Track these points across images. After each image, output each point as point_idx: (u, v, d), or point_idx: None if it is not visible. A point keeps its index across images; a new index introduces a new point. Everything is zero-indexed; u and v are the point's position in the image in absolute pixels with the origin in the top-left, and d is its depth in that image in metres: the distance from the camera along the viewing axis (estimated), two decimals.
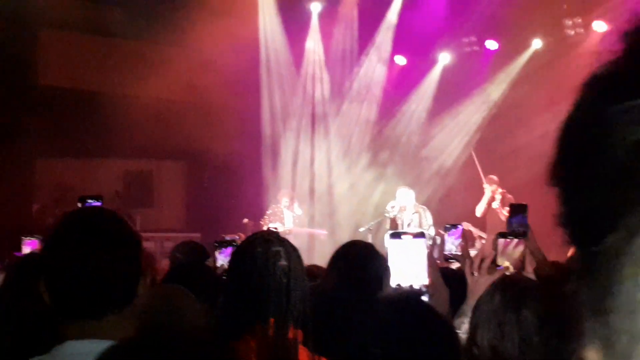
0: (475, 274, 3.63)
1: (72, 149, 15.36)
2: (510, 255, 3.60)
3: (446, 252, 4.29)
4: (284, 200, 14.26)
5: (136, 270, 2.33)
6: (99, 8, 14.78)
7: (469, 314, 3.18)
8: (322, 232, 14.88)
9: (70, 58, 14.96)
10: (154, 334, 1.61)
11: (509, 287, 2.92)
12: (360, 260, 4.03)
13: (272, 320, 2.88)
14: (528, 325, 2.78)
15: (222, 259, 4.83)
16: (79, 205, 5.11)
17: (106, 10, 14.76)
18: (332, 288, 3.85)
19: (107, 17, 14.73)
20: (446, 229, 4.38)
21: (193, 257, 5.88)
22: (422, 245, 3.46)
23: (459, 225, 4.41)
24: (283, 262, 2.95)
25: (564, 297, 1.06)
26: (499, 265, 3.64)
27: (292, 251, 3.03)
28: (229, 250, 4.82)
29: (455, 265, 5.27)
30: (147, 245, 14.37)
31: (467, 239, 4.52)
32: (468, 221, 13.89)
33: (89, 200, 5.09)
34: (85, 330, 2.16)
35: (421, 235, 3.53)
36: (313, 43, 16.82)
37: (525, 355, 2.77)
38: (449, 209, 14.41)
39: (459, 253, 4.28)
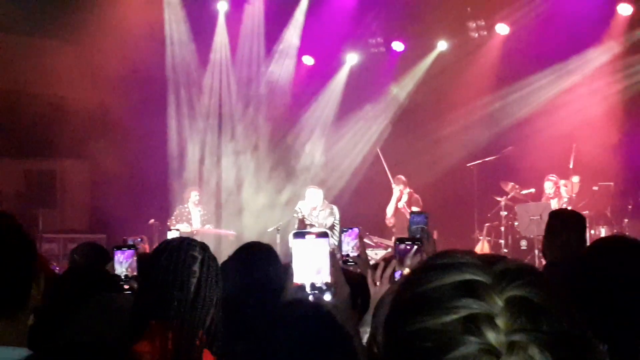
0: (378, 283, 3.67)
1: None
2: (410, 263, 3.65)
3: (343, 254, 4.31)
4: (193, 195, 14.14)
5: (28, 275, 2.24)
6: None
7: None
8: (230, 233, 14.81)
9: None
10: (63, 347, 1.56)
11: None
12: (256, 262, 4.09)
13: (175, 322, 2.88)
14: None
15: (121, 262, 4.74)
16: None
17: (4, 5, 14.36)
18: (230, 290, 3.87)
19: (4, 13, 14.35)
20: (342, 231, 4.42)
21: (92, 259, 5.70)
22: (324, 245, 3.39)
23: (354, 228, 4.42)
24: (195, 268, 2.97)
25: None
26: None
27: (211, 259, 3.06)
28: (130, 253, 4.76)
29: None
30: (50, 246, 14.10)
31: (363, 240, 4.58)
32: (372, 225, 14.08)
33: None
34: None
35: (324, 235, 3.45)
36: (220, 42, 16.69)
37: None
38: (357, 209, 14.53)
39: (356, 254, 4.33)
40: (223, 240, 14.43)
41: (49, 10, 14.53)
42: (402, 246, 3.64)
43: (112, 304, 3.42)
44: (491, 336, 1.04)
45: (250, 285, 3.95)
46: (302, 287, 3.39)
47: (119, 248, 4.85)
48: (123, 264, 4.72)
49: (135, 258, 4.77)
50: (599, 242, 3.99)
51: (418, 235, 4.17)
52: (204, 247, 3.10)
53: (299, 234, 3.48)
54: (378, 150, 15.37)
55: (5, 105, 14.42)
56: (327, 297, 3.26)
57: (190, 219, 13.92)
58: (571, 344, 1.08)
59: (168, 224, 13.71)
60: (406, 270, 3.59)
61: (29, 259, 2.26)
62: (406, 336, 1.11)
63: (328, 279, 3.34)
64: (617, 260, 3.04)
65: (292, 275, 3.42)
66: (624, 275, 2.96)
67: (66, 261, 8.71)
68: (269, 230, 14.11)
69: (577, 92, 14.37)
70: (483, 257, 1.15)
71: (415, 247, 3.65)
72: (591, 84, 14.28)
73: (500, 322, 1.06)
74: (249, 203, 16.69)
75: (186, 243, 3.07)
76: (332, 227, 12.88)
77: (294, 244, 3.37)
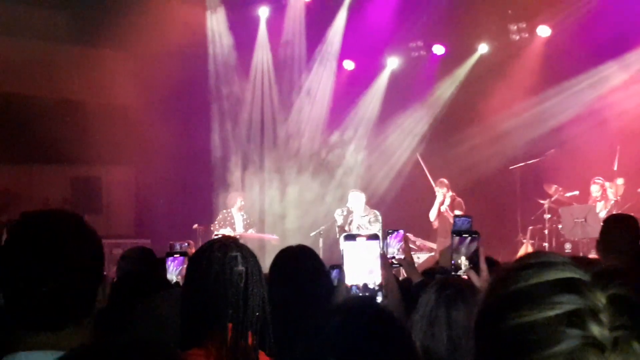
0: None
1: (16, 156, 15.17)
2: (466, 252, 3.71)
3: (389, 256, 4.39)
4: (239, 201, 14.23)
5: (97, 279, 2.20)
6: (50, 13, 14.63)
7: None
8: (273, 237, 14.85)
9: (15, 62, 14.73)
10: (103, 343, 1.54)
11: (443, 289, 3.02)
12: (295, 262, 4.19)
13: (230, 325, 2.86)
14: (457, 326, 2.88)
15: (171, 270, 4.76)
16: None
17: (51, 15, 14.62)
18: (274, 293, 3.93)
19: (52, 22, 14.61)
20: (387, 233, 4.49)
21: (140, 264, 5.73)
22: (375, 247, 3.54)
23: (400, 230, 4.49)
24: (240, 267, 2.93)
25: None
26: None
27: (249, 256, 3.01)
28: (181, 260, 4.78)
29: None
30: None
31: (409, 242, 4.66)
32: (415, 229, 14.05)
33: None
34: (40, 341, 2.05)
35: (375, 237, 3.60)
36: (261, 48, 16.85)
37: (454, 355, 2.85)
38: (399, 212, 14.52)
39: (402, 257, 4.44)
40: (267, 244, 14.51)
41: (91, 20, 14.80)
42: (458, 238, 3.70)
43: (158, 309, 3.40)
44: (596, 330, 1.07)
45: (292, 288, 4.01)
46: (354, 288, 3.46)
47: (170, 255, 4.88)
48: (173, 271, 4.74)
49: (185, 265, 4.72)
50: None
51: (466, 229, 4.22)
52: (237, 244, 3.08)
53: (350, 237, 3.57)
54: (418, 155, 15.32)
55: (52, 114, 14.64)
56: (379, 298, 3.38)
57: (234, 223, 14.02)
58: None
59: (212, 228, 13.84)
60: (462, 259, 3.66)
61: (99, 264, 2.23)
62: (508, 330, 1.13)
63: (380, 280, 3.44)
64: None
65: (344, 277, 3.49)
66: None
67: (112, 265, 8.79)
68: (311, 234, 14.16)
69: (621, 93, 14.22)
70: (577, 258, 1.18)
71: (471, 238, 3.70)
72: (634, 85, 14.13)
73: (603, 318, 1.08)
74: (292, 207, 16.81)
75: (219, 245, 3.04)
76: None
77: (345, 246, 3.50)
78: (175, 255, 4.83)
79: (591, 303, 1.09)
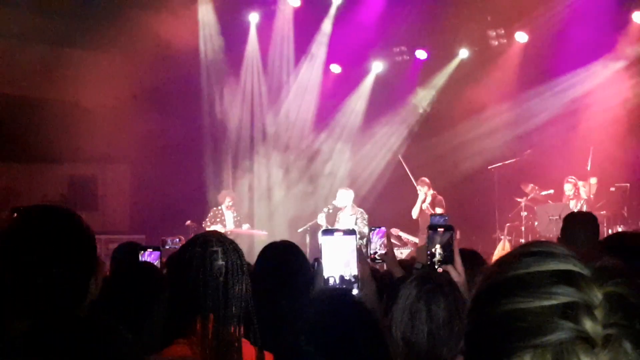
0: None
1: (16, 154, 15.50)
2: (441, 240, 3.85)
3: (371, 252, 4.52)
4: (227, 200, 14.59)
5: (89, 270, 2.25)
6: (44, 17, 14.87)
7: None
8: (262, 233, 15.13)
9: (13, 65, 15.07)
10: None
11: (424, 282, 3.09)
12: (279, 257, 4.42)
13: (211, 316, 2.95)
14: (437, 319, 2.99)
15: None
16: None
17: (51, 20, 14.86)
18: (259, 285, 3.99)
19: (51, 26, 14.86)
20: (371, 230, 4.62)
21: (131, 257, 5.66)
22: (352, 241, 3.71)
23: (382, 227, 4.63)
24: (220, 262, 3.00)
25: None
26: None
27: (231, 251, 3.06)
28: (156, 255, 4.93)
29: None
30: None
31: (390, 239, 4.90)
32: (398, 226, 14.37)
33: None
34: None
35: (351, 232, 3.78)
36: (251, 52, 17.18)
37: (434, 347, 2.96)
38: (383, 211, 14.74)
39: (384, 252, 4.56)
40: (256, 239, 14.81)
41: (87, 24, 15.07)
42: (432, 232, 3.89)
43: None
44: (589, 325, 1.04)
45: (275, 281, 4.21)
46: (331, 279, 3.67)
47: (144, 249, 5.00)
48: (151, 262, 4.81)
49: (159, 260, 4.90)
50: (617, 235, 4.12)
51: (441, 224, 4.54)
52: (220, 239, 3.11)
53: (328, 232, 3.82)
54: (400, 157, 15.62)
55: (52, 114, 14.96)
56: (355, 291, 3.60)
57: (224, 220, 14.37)
58: None
59: (203, 225, 14.13)
60: (437, 247, 3.85)
61: (91, 256, 2.28)
62: (501, 316, 1.10)
63: (356, 272, 3.67)
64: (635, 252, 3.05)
65: (322, 269, 3.70)
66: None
67: (107, 259, 9.10)
68: (298, 230, 14.45)
69: (593, 97, 14.62)
70: (580, 252, 1.15)
71: (445, 230, 3.87)
72: (607, 89, 14.49)
73: (598, 314, 1.05)
74: (280, 205, 17.14)
75: (201, 240, 3.09)
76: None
77: (323, 240, 3.71)
78: (149, 250, 4.97)
79: (587, 298, 1.06)
